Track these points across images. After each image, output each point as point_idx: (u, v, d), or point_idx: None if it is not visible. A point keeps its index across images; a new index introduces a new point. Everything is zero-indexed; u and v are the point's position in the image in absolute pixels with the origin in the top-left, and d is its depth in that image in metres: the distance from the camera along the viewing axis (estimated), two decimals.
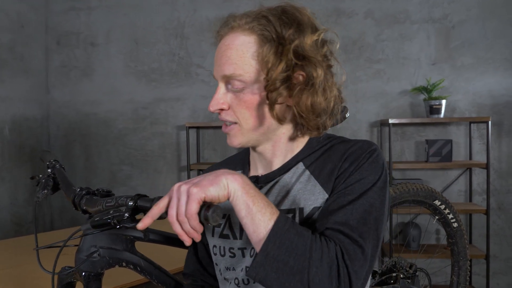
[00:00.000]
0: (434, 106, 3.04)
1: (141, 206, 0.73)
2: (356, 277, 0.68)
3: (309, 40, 0.78)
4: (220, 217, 0.67)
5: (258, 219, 0.69)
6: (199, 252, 0.97)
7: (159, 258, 1.01)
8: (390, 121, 3.04)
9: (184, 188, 0.68)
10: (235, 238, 0.87)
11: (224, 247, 0.88)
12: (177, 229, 0.67)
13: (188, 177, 3.43)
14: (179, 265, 1.56)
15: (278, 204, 0.82)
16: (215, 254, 0.91)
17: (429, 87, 3.11)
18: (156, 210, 0.69)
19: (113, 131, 3.71)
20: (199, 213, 0.66)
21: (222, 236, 0.89)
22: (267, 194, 0.85)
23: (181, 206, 0.67)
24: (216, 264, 0.92)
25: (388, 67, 3.37)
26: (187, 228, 0.67)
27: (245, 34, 0.80)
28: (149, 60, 3.66)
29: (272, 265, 0.67)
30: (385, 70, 3.36)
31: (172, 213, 0.67)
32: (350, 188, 0.76)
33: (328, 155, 0.84)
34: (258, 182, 0.87)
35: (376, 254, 0.74)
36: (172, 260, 1.44)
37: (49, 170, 1.00)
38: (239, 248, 0.86)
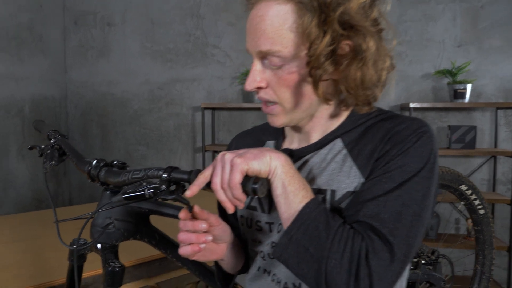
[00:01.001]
0: (459, 91, 2.94)
1: (175, 178, 0.71)
2: (379, 281, 0.61)
3: (355, 4, 0.68)
4: (266, 190, 0.65)
5: (290, 200, 0.66)
6: (227, 215, 0.94)
7: (172, 234, 1.00)
8: (411, 105, 2.94)
9: (228, 157, 0.65)
10: (262, 211, 0.84)
11: (251, 219, 0.86)
12: (221, 196, 0.65)
13: (203, 159, 3.43)
14: None
15: (309, 182, 0.76)
16: (242, 225, 0.88)
17: (453, 70, 3.00)
18: (202, 178, 0.66)
19: (129, 111, 3.72)
20: (243, 184, 0.64)
21: (250, 207, 0.86)
22: (299, 169, 0.79)
23: (224, 175, 0.64)
24: (243, 234, 0.90)
25: (410, 49, 3.26)
26: (230, 196, 0.65)
27: (279, 3, 0.69)
28: (165, 40, 3.64)
29: (294, 249, 0.65)
30: (407, 52, 3.27)
31: (216, 180, 0.65)
32: (388, 175, 0.67)
33: (371, 133, 0.74)
34: (292, 156, 0.81)
35: (409, 257, 0.65)
36: None
37: (52, 141, 0.98)
38: (266, 223, 0.83)
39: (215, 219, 0.75)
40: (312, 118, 0.79)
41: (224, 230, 0.79)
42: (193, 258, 0.74)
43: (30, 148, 1.01)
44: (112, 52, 3.72)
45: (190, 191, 0.66)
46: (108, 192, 0.86)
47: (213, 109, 3.55)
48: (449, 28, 3.21)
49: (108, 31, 3.73)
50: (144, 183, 0.71)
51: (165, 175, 0.71)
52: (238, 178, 0.63)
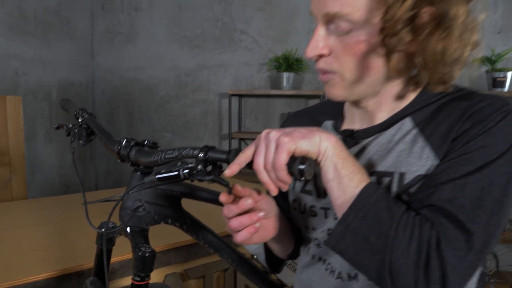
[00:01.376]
0: (498, 79, 2.80)
1: (211, 158, 0.65)
2: (453, 272, 0.54)
3: None
4: (313, 172, 0.59)
5: (345, 184, 0.59)
6: (277, 198, 0.87)
7: (203, 219, 0.94)
8: None
9: (273, 135, 0.59)
10: (318, 196, 0.77)
11: (304, 204, 0.79)
12: (264, 178, 0.59)
13: (229, 146, 3.38)
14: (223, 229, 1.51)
15: (373, 165, 0.69)
16: (294, 210, 0.82)
17: (493, 57, 2.85)
18: (243, 157, 0.60)
19: (155, 98, 3.69)
20: (288, 165, 0.58)
21: (304, 191, 0.79)
22: (362, 152, 0.72)
23: (269, 154, 0.58)
24: (295, 219, 0.83)
25: None
26: (274, 178, 0.59)
27: None
28: (192, 25, 3.58)
29: (352, 238, 0.58)
30: None
31: (259, 160, 0.59)
32: (467, 157, 0.59)
33: (445, 111, 0.66)
34: (354, 137, 0.74)
35: (488, 249, 0.57)
36: (219, 222, 1.38)
37: (79, 120, 0.94)
38: (322, 208, 0.76)
39: (256, 192, 0.69)
40: (376, 96, 0.71)
41: (269, 203, 0.73)
42: (252, 243, 0.69)
43: (57, 127, 0.97)
44: (139, 38, 3.70)
45: (230, 170, 0.60)
46: (139, 173, 0.80)
47: (240, 95, 3.49)
48: (489, 15, 3.04)
49: (135, 16, 3.69)
50: (179, 163, 0.65)
51: (201, 155, 0.65)
52: (284, 158, 0.57)
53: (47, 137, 3.24)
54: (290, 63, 3.22)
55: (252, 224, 0.64)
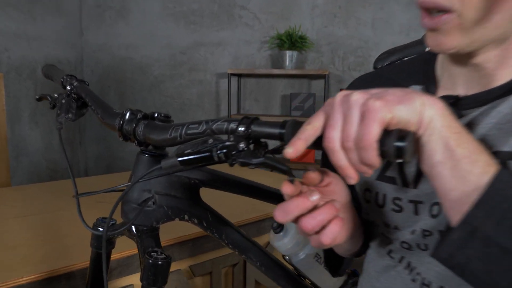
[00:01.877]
0: None
1: (256, 133, 0.46)
2: None
3: None
4: (413, 151, 0.41)
5: (463, 169, 0.41)
6: None
7: (225, 212, 0.76)
8: None
9: (357, 99, 0.40)
10: (405, 185, 0.58)
11: (384, 195, 0.60)
12: (340, 160, 0.41)
13: None
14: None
15: (492, 143, 0.51)
16: (368, 202, 0.63)
17: None
18: (311, 130, 0.42)
19: (149, 78, 3.47)
20: (381, 141, 0.39)
21: (385, 178, 0.60)
22: (471, 126, 0.53)
23: (350, 126, 0.40)
24: (367, 214, 0.65)
25: None
26: (356, 160, 0.40)
27: None
28: (188, 0, 3.35)
29: (481, 248, 0.40)
30: None
31: (334, 135, 0.41)
32: None
33: None
34: (458, 106, 0.55)
35: None
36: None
37: (67, 88, 0.73)
38: (411, 201, 0.57)
39: (326, 174, 0.50)
40: (500, 46, 0.51)
41: (340, 184, 0.53)
42: (338, 242, 0.52)
43: (39, 99, 0.77)
44: (132, 13, 3.46)
45: (294, 148, 0.41)
46: (147, 155, 0.62)
47: (240, 75, 3.29)
48: None
49: None
50: (210, 140, 0.47)
51: (241, 129, 0.46)
52: (375, 131, 0.38)
53: (33, 118, 3.02)
54: (294, 40, 3.02)
55: (337, 217, 0.46)
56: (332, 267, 0.72)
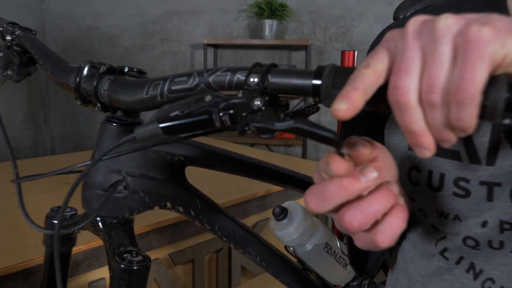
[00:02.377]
0: None
1: (276, 85, 0.32)
2: None
3: None
4: None
5: None
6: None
7: (215, 196, 0.61)
8: None
9: (449, 25, 0.26)
10: (474, 161, 0.43)
11: (442, 175, 0.45)
12: (415, 121, 0.27)
13: None
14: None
15: None
16: (414, 183, 0.48)
17: None
18: (372, 75, 0.27)
19: (118, 49, 3.23)
20: (486, 92, 0.25)
21: (442, 152, 0.45)
22: None
23: (437, 69, 0.25)
24: (411, 199, 0.50)
25: None
26: (440, 121, 0.26)
27: None
28: None
29: None
30: None
31: (407, 84, 0.26)
32: None
33: None
34: None
35: None
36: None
37: (7, 38, 0.56)
38: (482, 183, 0.42)
39: (372, 145, 0.35)
40: None
41: (389, 159, 0.36)
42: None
43: None
44: None
45: (348, 103, 0.27)
46: (115, 124, 0.46)
47: (216, 46, 3.09)
48: None
49: None
50: (208, 97, 0.31)
51: (254, 79, 0.32)
52: (482, 76, 0.24)
53: None
54: (274, 8, 2.84)
55: (396, 207, 0.31)
56: (357, 265, 0.58)
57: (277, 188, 1.34)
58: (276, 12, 2.86)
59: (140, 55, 3.22)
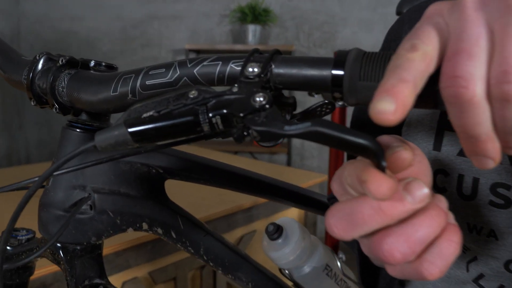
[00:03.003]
0: None
1: (282, 77, 0.25)
2: None
3: None
4: None
5: None
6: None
7: (197, 212, 0.53)
8: None
9: None
10: None
11: (476, 180, 0.37)
12: (480, 123, 0.20)
13: None
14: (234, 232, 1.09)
15: None
16: (441, 190, 0.40)
17: None
18: (421, 61, 0.20)
19: (97, 54, 3.13)
20: None
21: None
22: None
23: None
24: None
25: None
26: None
27: None
28: None
29: None
30: None
31: (471, 71, 0.19)
32: None
33: None
34: None
35: None
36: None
37: None
38: None
39: (410, 144, 0.27)
40: None
41: (426, 165, 0.29)
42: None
43: None
44: None
45: (396, 101, 0.19)
46: (78, 129, 0.38)
47: (198, 51, 3.01)
48: None
49: None
50: (193, 93, 0.24)
51: (254, 69, 0.24)
52: None
53: None
54: (257, 13, 2.79)
55: (450, 227, 0.24)
56: (368, 282, 0.51)
57: (263, 199, 1.26)
58: (260, 17, 2.80)
59: (119, 60, 3.12)
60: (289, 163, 2.94)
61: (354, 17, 2.90)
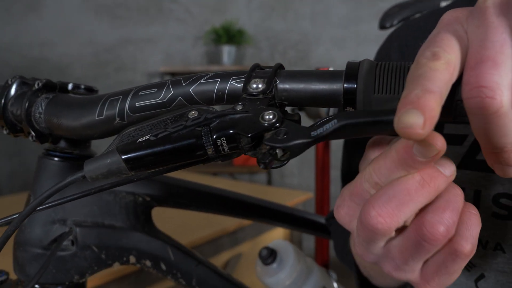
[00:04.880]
0: None
1: (289, 92, 0.23)
2: None
3: None
4: None
5: None
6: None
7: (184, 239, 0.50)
8: None
9: None
10: None
11: (478, 192, 0.36)
12: (509, 136, 0.18)
13: None
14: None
15: None
16: None
17: None
18: (445, 70, 0.18)
19: (69, 80, 3.00)
20: None
21: (475, 164, 0.37)
22: None
23: None
24: None
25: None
26: None
27: None
28: None
29: None
30: None
31: (499, 80, 0.17)
32: None
33: None
34: None
35: None
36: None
37: None
38: None
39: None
40: None
41: None
42: None
43: None
44: (45, 6, 3.03)
45: (425, 113, 0.17)
46: (57, 158, 0.35)
47: (173, 74, 2.99)
48: None
49: None
50: (193, 113, 0.21)
51: (258, 85, 0.22)
52: None
53: None
54: (232, 34, 2.80)
55: (467, 206, 0.23)
56: None
57: (248, 221, 1.23)
58: (234, 38, 2.81)
59: (92, 85, 3.06)
60: (269, 182, 2.92)
61: (327, 35, 2.95)
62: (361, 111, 0.20)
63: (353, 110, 0.22)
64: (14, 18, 3.04)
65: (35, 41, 3.05)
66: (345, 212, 0.24)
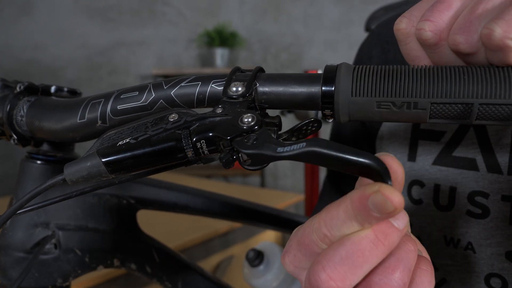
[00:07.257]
0: None
1: (268, 95, 0.23)
2: None
3: None
4: None
5: None
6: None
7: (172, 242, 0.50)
8: None
9: None
10: (495, 170, 0.34)
11: (453, 189, 0.36)
12: None
13: None
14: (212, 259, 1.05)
15: None
16: (416, 202, 0.39)
17: None
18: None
19: (62, 82, 3.04)
20: None
21: (452, 161, 0.36)
22: None
23: None
24: (410, 224, 0.40)
25: None
26: None
27: None
28: None
29: None
30: None
31: None
32: None
33: None
34: None
35: None
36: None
37: None
38: (505, 198, 0.33)
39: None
40: None
41: None
42: None
43: None
44: (37, 9, 3.02)
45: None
46: (40, 161, 0.35)
47: (166, 76, 2.98)
48: None
49: None
50: (173, 116, 0.22)
51: (237, 89, 0.23)
52: None
53: None
54: (225, 37, 2.80)
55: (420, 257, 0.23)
56: None
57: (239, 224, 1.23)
58: (227, 41, 2.82)
59: (86, 88, 3.04)
60: (262, 184, 2.92)
61: (319, 38, 2.96)
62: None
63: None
64: (6, 20, 3.03)
65: (28, 43, 3.04)
66: (290, 261, 0.23)
